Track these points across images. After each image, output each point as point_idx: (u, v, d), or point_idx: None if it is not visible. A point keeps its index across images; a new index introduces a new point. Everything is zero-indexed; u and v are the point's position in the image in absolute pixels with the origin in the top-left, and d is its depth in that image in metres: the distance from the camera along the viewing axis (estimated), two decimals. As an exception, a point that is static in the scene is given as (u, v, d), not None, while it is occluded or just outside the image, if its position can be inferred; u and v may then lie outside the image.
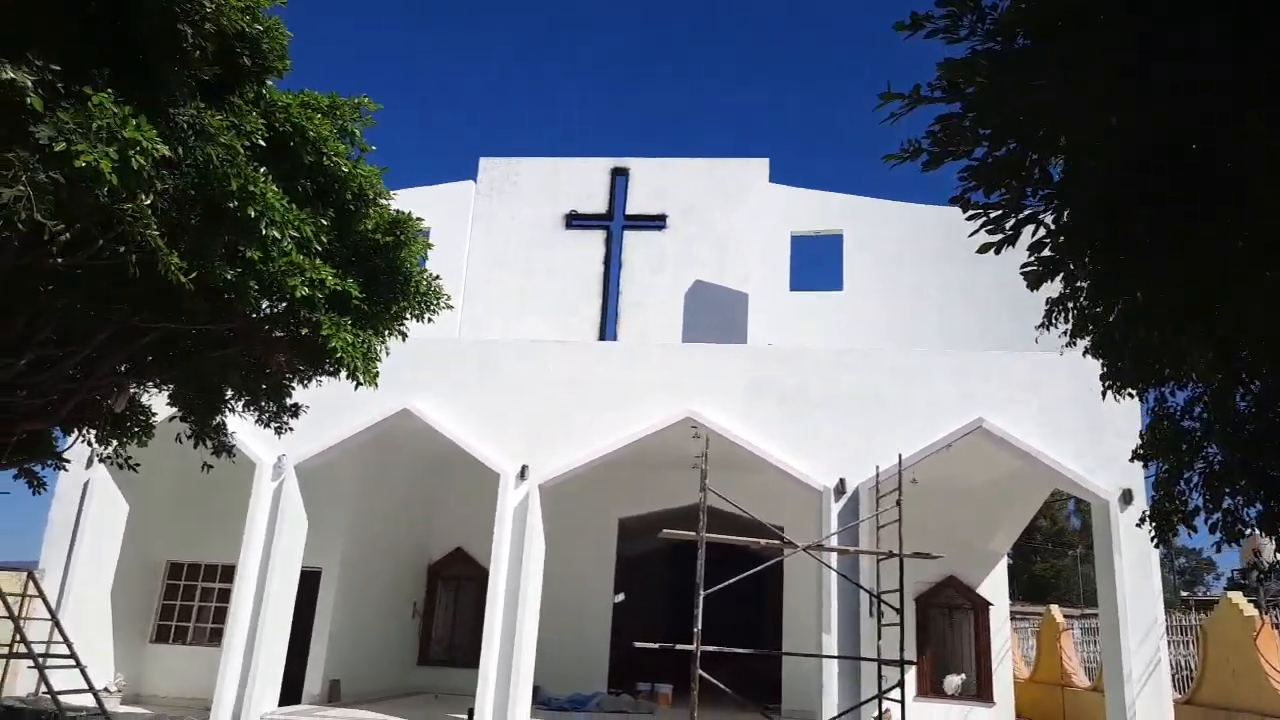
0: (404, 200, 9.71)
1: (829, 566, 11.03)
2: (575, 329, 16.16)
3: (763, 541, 9.12)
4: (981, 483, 15.38)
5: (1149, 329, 4.60)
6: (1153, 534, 5.31)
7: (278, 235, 5.61)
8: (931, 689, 16.08)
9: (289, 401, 8.89)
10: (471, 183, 16.53)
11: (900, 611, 9.27)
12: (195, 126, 5.08)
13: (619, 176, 17.49)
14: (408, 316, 8.40)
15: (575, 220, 17.23)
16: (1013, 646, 17.71)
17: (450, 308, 8.69)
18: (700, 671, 8.00)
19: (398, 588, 16.52)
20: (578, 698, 15.15)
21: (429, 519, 17.47)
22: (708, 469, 9.54)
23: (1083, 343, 6.63)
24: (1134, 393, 5.92)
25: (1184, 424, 5.25)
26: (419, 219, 7.76)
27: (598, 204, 17.24)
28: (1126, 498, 11.48)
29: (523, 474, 12.43)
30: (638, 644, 8.61)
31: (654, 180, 17.29)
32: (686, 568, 21.84)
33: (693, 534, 8.55)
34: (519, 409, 12.76)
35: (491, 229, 17.16)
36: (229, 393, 8.70)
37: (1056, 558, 55.54)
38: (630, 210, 17.25)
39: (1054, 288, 7.45)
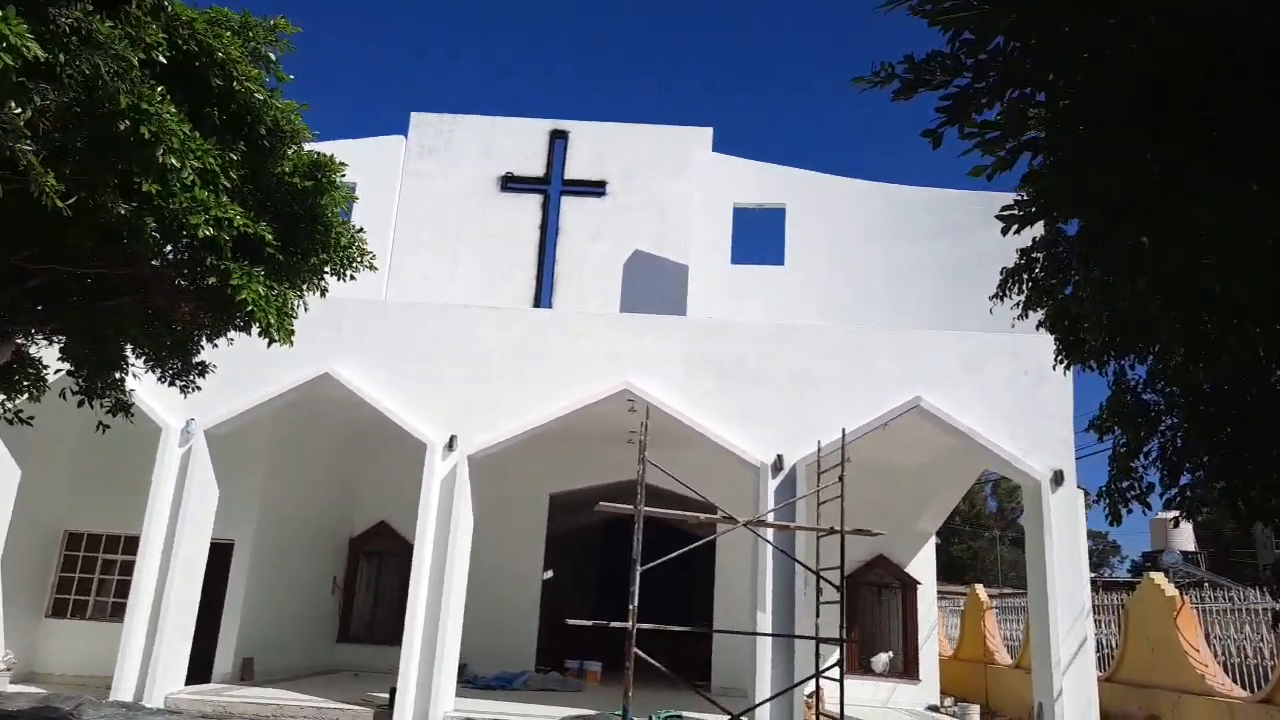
0: (328, 152, 9.07)
1: (769, 542, 10.82)
2: (509, 296, 15.62)
3: (703, 516, 8.83)
4: (915, 463, 15.41)
5: (1125, 294, 4.36)
6: (1106, 511, 5.14)
7: (176, 164, 4.99)
8: (860, 666, 16.16)
9: (195, 359, 8.21)
10: (401, 138, 15.75)
11: (841, 589, 9.10)
12: (80, 31, 4.44)
13: (558, 139, 16.92)
14: (327, 271, 7.80)
15: (511, 183, 16.61)
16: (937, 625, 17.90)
17: (374, 267, 8.10)
18: (636, 650, 7.66)
19: (317, 562, 15.82)
20: (504, 675, 14.77)
21: (351, 491, 16.78)
22: (641, 445, 9.19)
23: (1035, 315, 6.48)
24: (1094, 365, 5.76)
25: (1145, 397, 5.06)
26: (341, 164, 7.15)
27: (535, 167, 16.64)
28: (1058, 479, 11.53)
29: (451, 444, 11.90)
30: (570, 621, 8.25)
31: (594, 145, 16.77)
32: (618, 545, 21.66)
33: (630, 508, 8.19)
34: (448, 377, 12.20)
35: (422, 188, 16.42)
36: (128, 347, 7.99)
37: (974, 539, 57.17)
38: (569, 175, 16.71)
39: (1008, 256, 7.26)
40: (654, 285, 15.54)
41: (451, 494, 11.78)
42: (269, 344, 7.08)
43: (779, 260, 14.76)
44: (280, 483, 14.43)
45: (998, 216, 4.95)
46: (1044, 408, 11.82)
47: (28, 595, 13.54)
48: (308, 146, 6.84)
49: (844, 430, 10.35)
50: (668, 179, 16.32)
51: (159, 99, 4.84)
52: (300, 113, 6.66)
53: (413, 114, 16.66)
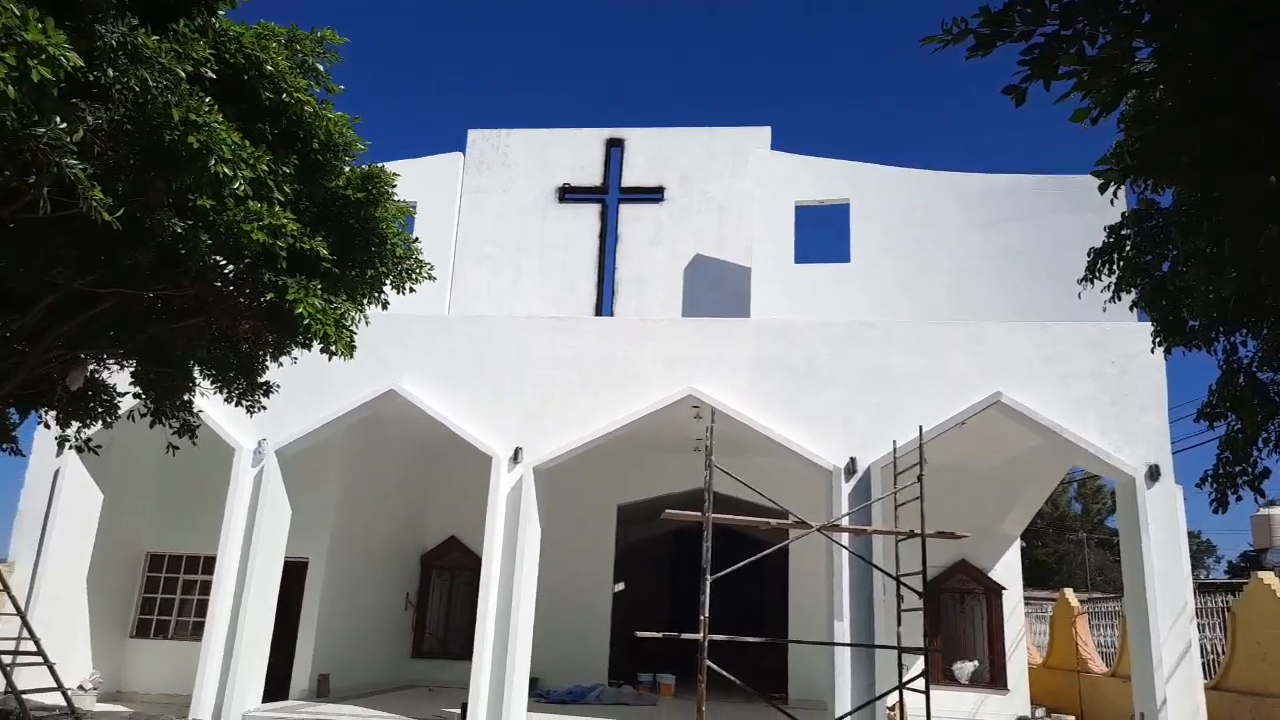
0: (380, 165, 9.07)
1: (844, 547, 10.42)
2: (571, 307, 15.52)
3: (774, 522, 8.51)
4: (996, 463, 14.80)
5: (1232, 264, 3.97)
6: (1213, 497, 4.70)
7: (228, 173, 4.95)
8: (943, 676, 15.54)
9: (261, 379, 8.26)
10: (459, 155, 15.83)
11: (923, 595, 8.67)
12: (126, 47, 4.42)
13: (614, 148, 16.80)
14: (387, 284, 7.76)
15: (569, 194, 16.54)
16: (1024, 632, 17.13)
17: (432, 278, 8.05)
18: (708, 662, 7.39)
19: (389, 578, 15.91)
20: (578, 690, 14.61)
21: (421, 507, 16.86)
22: (708, 450, 8.93)
23: (1128, 297, 6.04)
24: (1199, 344, 5.32)
25: (1260, 377, 4.62)
26: (394, 174, 7.10)
27: (592, 176, 16.55)
28: (1153, 474, 10.87)
29: (516, 456, 11.81)
30: (640, 634, 8.01)
31: (650, 151, 16.60)
32: (687, 555, 21.37)
33: (698, 514, 7.93)
34: (512, 389, 12.12)
35: (481, 204, 16.47)
36: (195, 369, 8.08)
37: (1058, 543, 55.25)
38: (626, 183, 16.56)
39: (1084, 240, 6.82)
40: (716, 289, 15.27)
41: (518, 506, 11.67)
42: (329, 358, 7.06)
43: (844, 257, 14.34)
44: (352, 501, 14.56)
45: (1093, 173, 4.63)
46: (1134, 398, 11.19)
47: (113, 616, 13.88)
48: (362, 161, 6.77)
49: (921, 428, 9.92)
50: (726, 180, 16.04)
51: (207, 109, 4.80)
52: (352, 125, 6.62)
53: (469, 131, 16.78)
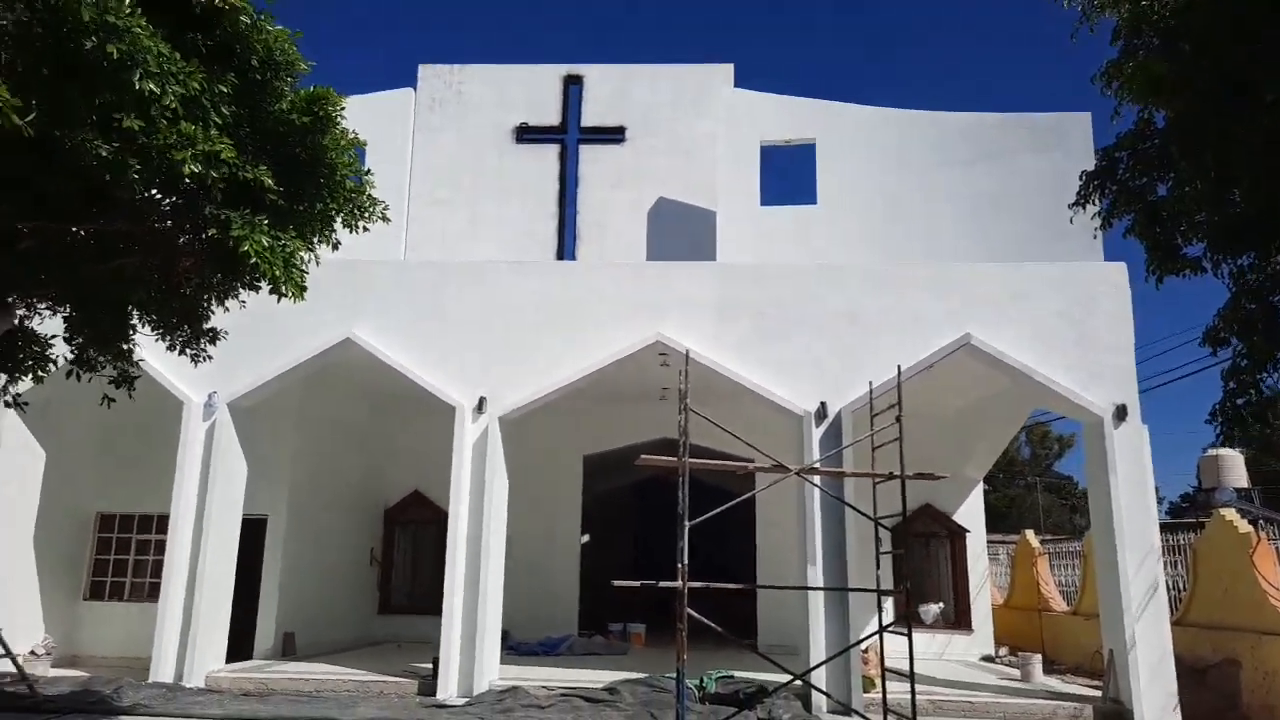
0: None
1: (825, 490, 10.29)
2: (531, 252, 15.08)
3: (751, 465, 8.31)
4: (961, 405, 14.78)
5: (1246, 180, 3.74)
6: (1220, 432, 4.55)
7: (155, 89, 4.48)
8: (909, 617, 15.68)
9: (206, 326, 7.78)
10: (410, 91, 15.14)
11: (905, 537, 8.57)
12: (29, -62, 3.92)
13: (573, 85, 16.22)
14: (337, 222, 7.29)
15: (527, 133, 15.97)
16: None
17: (386, 219, 7.58)
18: (688, 609, 7.21)
19: (352, 534, 15.58)
20: (549, 641, 14.51)
21: (383, 460, 16.48)
22: (681, 394, 8.67)
23: (1120, 224, 5.83)
24: (1192, 271, 5.14)
25: (1273, 300, 4.42)
26: (341, 96, 6.60)
27: (550, 115, 15.98)
28: (1120, 414, 10.86)
29: (480, 406, 11.47)
30: (618, 583, 7.80)
31: (610, 89, 16.06)
32: (652, 505, 21.25)
33: (673, 460, 7.69)
34: (474, 337, 11.73)
35: (435, 143, 15.84)
36: (134, 315, 7.57)
37: (1007, 487, 56.53)
38: (586, 122, 16.02)
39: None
40: (681, 232, 14.91)
41: (484, 457, 11.37)
42: (278, 299, 6.62)
43: (811, 199, 14.03)
44: (311, 455, 14.14)
45: (1094, 79, 4.37)
46: (1101, 338, 11.13)
47: (64, 579, 13.39)
48: (306, 83, 6.27)
49: (899, 367, 9.76)
50: (689, 120, 15.60)
51: (128, 11, 4.31)
52: (292, 40, 6.11)
53: (421, 66, 16.05)
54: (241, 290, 7.42)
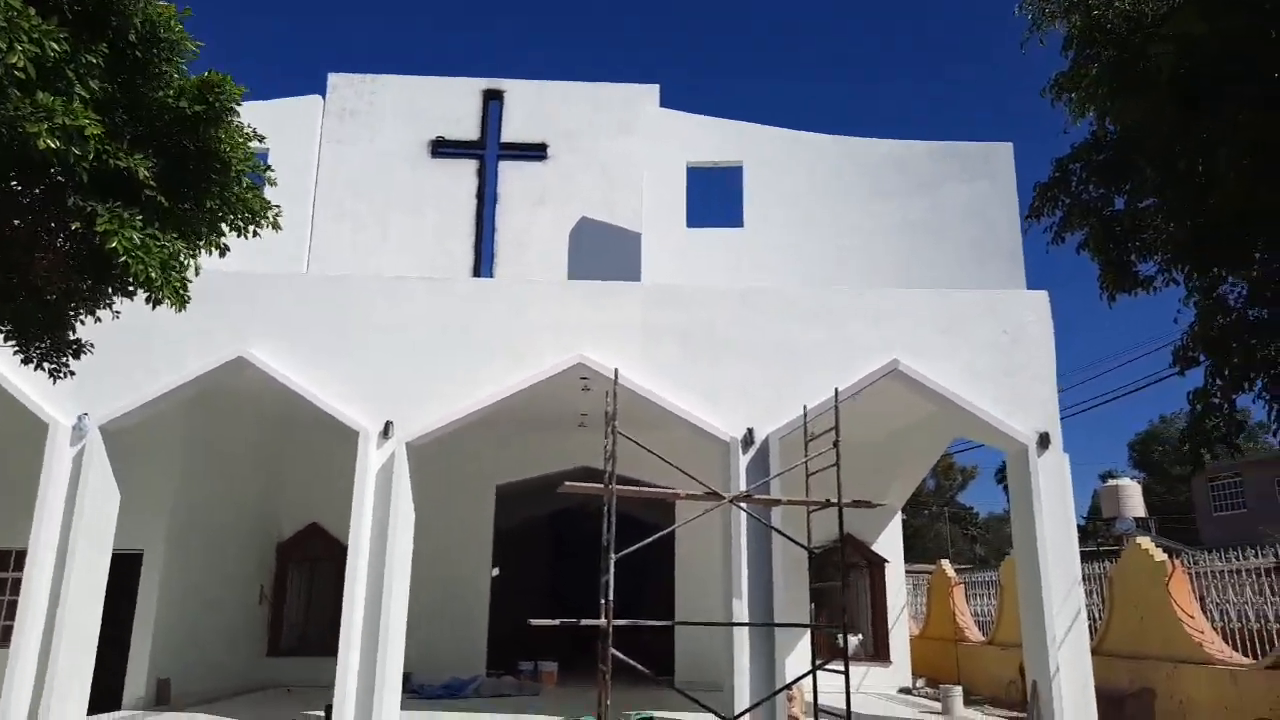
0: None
1: (758, 519, 9.87)
2: (446, 271, 14.34)
3: (683, 492, 7.80)
4: (884, 433, 14.68)
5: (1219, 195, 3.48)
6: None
7: (1, 45, 3.74)
8: (828, 650, 15.41)
9: (72, 336, 6.87)
10: (318, 98, 14.31)
11: (843, 566, 8.18)
12: None
13: (492, 100, 15.63)
14: (225, 226, 6.54)
15: (443, 148, 15.28)
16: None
17: (277, 226, 6.86)
18: (613, 649, 6.62)
19: (240, 570, 14.39)
20: (455, 682, 13.63)
21: (277, 491, 15.35)
22: (608, 416, 8.14)
23: (1072, 239, 5.60)
24: (1145, 290, 4.91)
25: (1251, 315, 4.19)
26: (240, 88, 5.90)
27: (468, 130, 15.34)
28: (1044, 441, 10.83)
29: (386, 431, 10.67)
30: (535, 621, 7.15)
31: (532, 105, 15.53)
32: (567, 538, 20.52)
33: (599, 486, 7.12)
34: (381, 357, 10.95)
35: (343, 156, 15.00)
36: (-13, 323, 6.61)
37: (912, 517, 57.85)
38: (506, 138, 15.44)
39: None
40: (604, 254, 14.43)
41: (389, 486, 10.56)
42: (153, 306, 5.84)
43: (738, 222, 13.77)
44: (195, 484, 12.98)
45: (1044, 92, 4.07)
46: (1026, 368, 11.12)
47: (-98, 623, 11.88)
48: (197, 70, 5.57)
49: (836, 390, 9.44)
50: (614, 139, 15.19)
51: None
52: (178, 18, 5.42)
53: (330, 75, 15.20)
54: (115, 298, 6.59)
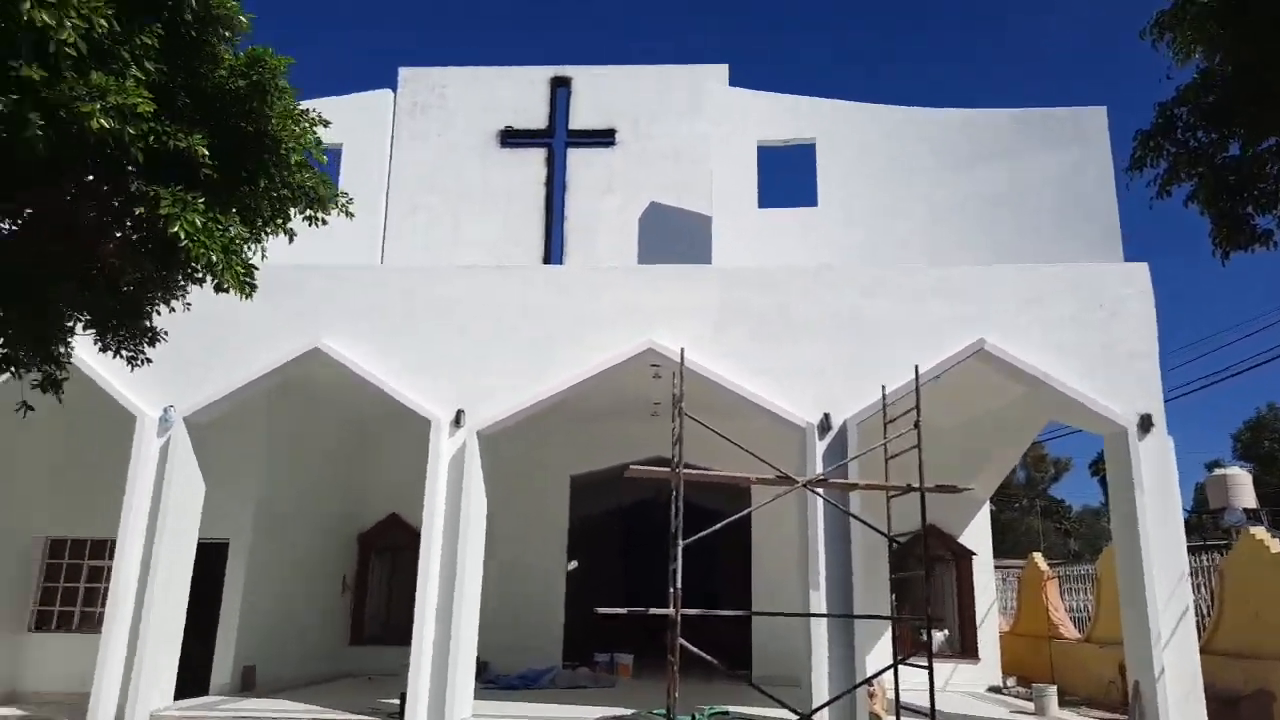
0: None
1: (835, 504, 9.50)
2: (516, 260, 14.32)
3: (754, 477, 7.52)
4: (968, 418, 14.04)
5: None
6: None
7: (49, 21, 3.72)
8: (912, 645, 14.86)
9: (148, 324, 6.97)
10: (389, 92, 14.44)
11: (926, 557, 7.78)
12: None
13: (560, 88, 15.53)
14: (289, 209, 6.52)
15: (511, 137, 15.25)
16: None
17: (349, 213, 6.83)
18: (681, 640, 6.39)
19: (323, 559, 14.66)
20: (530, 673, 13.59)
21: (358, 481, 15.60)
22: (675, 398, 7.91)
23: (1182, 190, 5.11)
24: (1265, 245, 4.43)
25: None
26: (286, 58, 5.84)
27: (537, 119, 15.28)
28: (1145, 424, 10.13)
29: (458, 420, 10.65)
30: (601, 610, 6.98)
31: (599, 91, 15.38)
32: (643, 530, 20.40)
33: (666, 470, 6.90)
34: (453, 347, 10.94)
35: (415, 149, 15.11)
36: (66, 311, 6.75)
37: (1001, 510, 56.02)
38: (574, 125, 15.32)
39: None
40: (675, 239, 14.18)
41: (460, 475, 10.54)
42: (216, 291, 5.84)
43: (811, 201, 13.32)
44: (278, 475, 13.26)
45: (1143, 34, 3.67)
46: (1123, 344, 10.42)
47: (8, 609, 12.45)
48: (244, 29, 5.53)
49: (917, 368, 9.02)
50: (682, 122, 14.91)
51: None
52: (233, -4, 5.38)
53: (401, 69, 15.35)
54: (186, 286, 6.65)
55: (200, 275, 6.14)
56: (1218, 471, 25.04)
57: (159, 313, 7.04)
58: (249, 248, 6.40)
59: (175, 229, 5.28)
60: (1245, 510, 23.82)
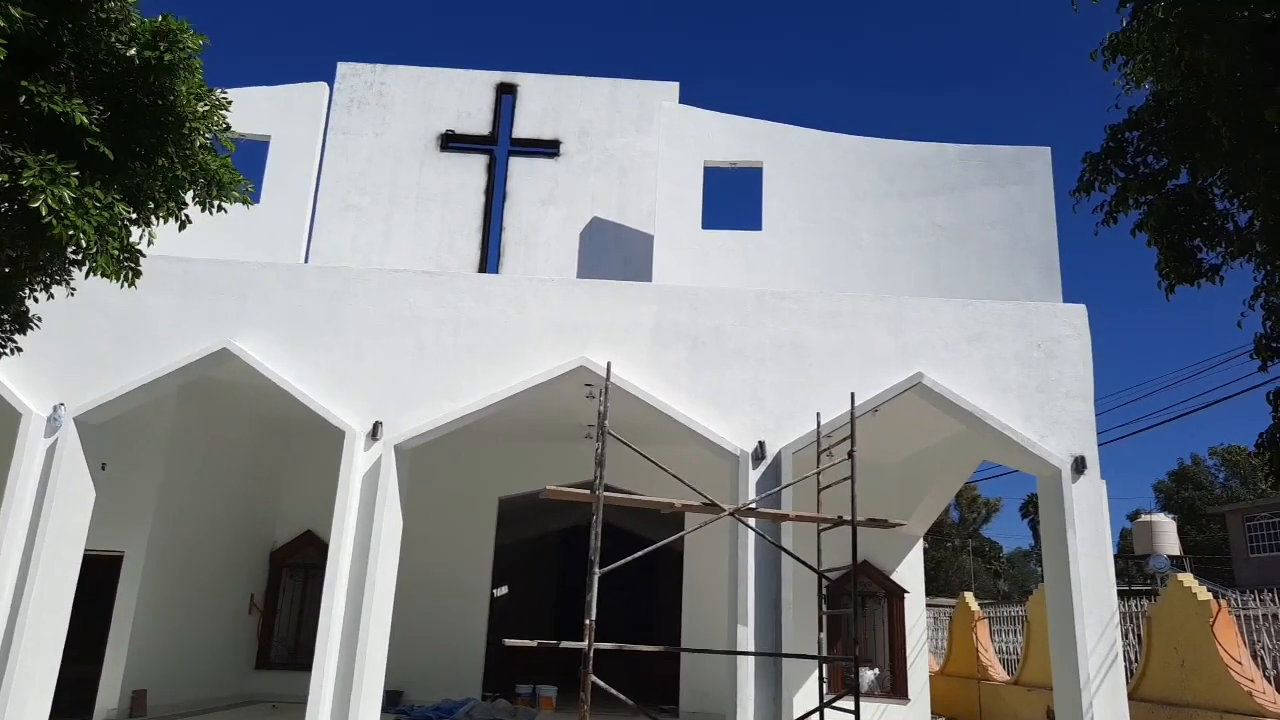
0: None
1: (764, 536, 9.14)
2: (451, 268, 13.79)
3: (678, 503, 7.11)
4: (905, 454, 13.89)
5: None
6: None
7: None
8: (842, 684, 14.53)
9: (21, 309, 6.34)
10: (324, 85, 13.85)
11: (854, 593, 7.43)
12: None
13: (505, 94, 15.11)
14: (185, 193, 5.99)
15: (452, 142, 14.76)
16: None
17: (247, 201, 6.32)
18: (593, 676, 5.91)
19: (229, 577, 13.82)
20: (446, 705, 12.93)
21: (273, 495, 14.82)
22: (600, 416, 7.48)
23: (1126, 219, 4.88)
24: (1209, 280, 4.20)
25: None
26: (198, 34, 5.36)
27: (480, 124, 14.82)
28: (1079, 466, 10.02)
29: (375, 432, 10.07)
30: (509, 641, 6.48)
31: (546, 100, 15.00)
32: (576, 556, 19.82)
33: (586, 492, 6.45)
34: (372, 354, 10.38)
35: (349, 147, 14.53)
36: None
37: (934, 549, 56.45)
38: (518, 134, 14.91)
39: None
40: (615, 256, 13.81)
41: (375, 490, 9.93)
42: (86, 275, 5.29)
43: (756, 225, 13.09)
44: (184, 486, 12.45)
45: (1094, 55, 3.42)
46: (1060, 385, 10.32)
47: None
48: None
49: (853, 395, 8.73)
50: (629, 137, 14.61)
51: None
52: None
53: (340, 64, 14.76)
54: (66, 269, 6.05)
55: (78, 258, 5.58)
56: (1143, 518, 25.48)
57: (36, 299, 6.42)
58: (136, 231, 5.85)
59: (37, 203, 4.73)
60: (1170, 557, 24.24)
